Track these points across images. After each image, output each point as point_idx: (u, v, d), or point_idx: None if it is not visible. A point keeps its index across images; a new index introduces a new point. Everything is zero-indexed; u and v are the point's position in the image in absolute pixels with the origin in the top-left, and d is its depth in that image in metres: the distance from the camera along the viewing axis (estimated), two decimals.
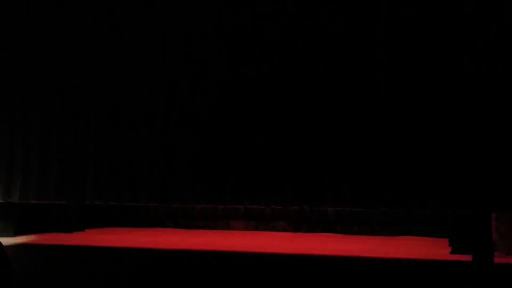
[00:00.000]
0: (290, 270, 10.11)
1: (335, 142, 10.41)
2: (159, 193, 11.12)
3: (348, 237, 13.40)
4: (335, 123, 10.46)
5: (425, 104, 10.09)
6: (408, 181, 10.14)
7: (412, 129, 10.16)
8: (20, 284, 8.88)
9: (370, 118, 10.31)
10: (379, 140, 10.25)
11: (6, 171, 11.48)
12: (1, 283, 5.04)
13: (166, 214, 15.79)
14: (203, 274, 10.15)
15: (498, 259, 9.42)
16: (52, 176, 11.39)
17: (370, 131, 10.31)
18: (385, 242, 12.36)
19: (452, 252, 9.79)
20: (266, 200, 10.92)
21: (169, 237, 13.13)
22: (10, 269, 4.95)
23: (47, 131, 11.43)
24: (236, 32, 10.80)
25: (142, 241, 12.13)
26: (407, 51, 10.19)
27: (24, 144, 11.46)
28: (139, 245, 11.43)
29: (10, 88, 11.58)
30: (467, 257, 9.49)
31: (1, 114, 11.56)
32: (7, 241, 11.34)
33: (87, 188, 11.31)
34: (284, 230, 14.78)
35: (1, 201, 11.56)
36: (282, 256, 10.63)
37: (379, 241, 12.65)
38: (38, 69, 11.50)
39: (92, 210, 14.75)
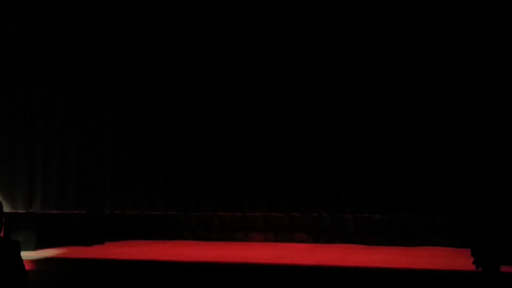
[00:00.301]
0: (309, 282, 10.08)
1: (346, 148, 10.35)
2: (177, 201, 11.09)
3: (367, 248, 13.29)
4: (334, 122, 10.45)
5: (425, 104, 10.09)
6: (427, 186, 10.05)
7: (414, 129, 10.15)
8: None
9: (373, 118, 10.29)
10: (393, 144, 10.19)
11: (27, 181, 11.42)
12: None
13: (185, 226, 15.77)
14: (223, 286, 10.14)
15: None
16: (71, 186, 11.32)
17: (373, 132, 10.28)
18: (406, 253, 12.24)
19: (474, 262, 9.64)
20: (285, 208, 10.83)
21: (188, 249, 13.09)
22: (27, 281, 4.96)
23: (65, 141, 11.37)
24: (236, 32, 10.79)
25: (162, 253, 12.09)
26: (407, 51, 10.18)
27: (44, 154, 11.39)
28: (159, 258, 11.40)
29: (27, 95, 11.52)
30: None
31: (21, 123, 11.48)
32: (33, 255, 11.32)
33: (106, 198, 11.24)
34: (303, 241, 14.75)
35: (23, 211, 11.49)
36: (301, 267, 10.57)
37: (400, 251, 12.54)
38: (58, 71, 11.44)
39: (111, 222, 14.76)
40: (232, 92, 10.80)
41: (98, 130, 11.29)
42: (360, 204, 10.43)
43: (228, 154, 10.79)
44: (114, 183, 11.19)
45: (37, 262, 10.87)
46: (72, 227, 13.73)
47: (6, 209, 11.31)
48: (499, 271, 9.10)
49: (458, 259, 9.78)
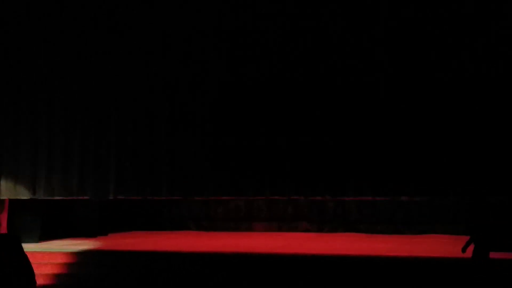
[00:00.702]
0: (313, 271, 10.14)
1: (349, 135, 10.36)
2: (180, 187, 10.97)
3: (371, 236, 13.42)
4: (334, 122, 10.46)
5: (426, 103, 10.11)
6: (429, 169, 10.05)
7: (412, 125, 10.16)
8: None
9: (372, 113, 10.29)
10: (395, 133, 10.21)
11: (31, 168, 11.40)
12: None
13: (189, 216, 15.80)
14: (227, 275, 10.20)
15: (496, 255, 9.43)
16: (75, 172, 11.26)
17: (376, 126, 10.29)
18: (409, 241, 12.38)
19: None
20: (288, 191, 10.76)
21: (192, 240, 13.17)
22: (34, 283, 4.96)
23: (69, 128, 11.33)
24: (236, 32, 10.79)
25: (166, 244, 12.13)
26: (407, 51, 10.20)
27: (48, 141, 11.36)
28: (163, 249, 11.45)
29: (32, 87, 11.50)
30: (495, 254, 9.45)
31: (25, 111, 11.45)
32: (38, 247, 11.36)
33: (109, 184, 11.17)
34: (307, 230, 14.81)
35: (26, 197, 11.48)
36: (305, 257, 10.63)
37: (403, 239, 12.66)
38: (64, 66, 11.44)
39: (114, 213, 14.77)
40: (232, 92, 10.79)
41: (102, 119, 11.26)
42: (363, 187, 10.37)
43: (231, 139, 10.75)
44: (118, 169, 11.14)
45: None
46: (77, 218, 13.77)
47: (11, 195, 11.35)
48: (489, 258, 9.17)
49: (457, 247, 9.83)
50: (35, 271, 5.49)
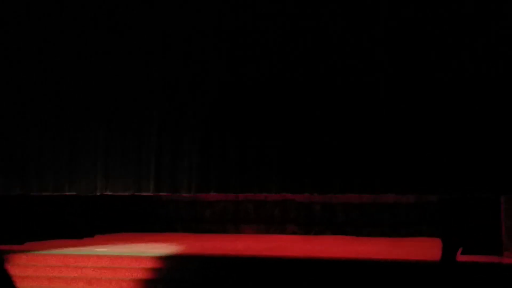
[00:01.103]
0: (300, 273, 10.17)
1: (337, 138, 10.33)
2: (167, 183, 10.96)
3: (358, 239, 13.47)
4: (334, 122, 10.45)
5: (425, 103, 10.10)
6: (416, 167, 10.00)
7: (412, 124, 10.15)
8: None
9: (371, 111, 10.28)
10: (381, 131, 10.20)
11: (19, 163, 11.40)
12: None
13: (176, 218, 15.83)
14: (216, 278, 10.22)
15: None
16: (64, 168, 11.26)
17: (370, 127, 10.28)
18: (395, 244, 12.43)
19: (461, 253, 9.73)
20: (275, 188, 10.73)
21: (180, 241, 13.18)
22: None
23: (61, 124, 11.36)
24: (236, 32, 10.79)
25: (155, 246, 12.15)
26: (407, 51, 10.18)
27: (38, 137, 11.39)
28: (152, 250, 11.48)
29: (31, 87, 11.51)
30: (478, 258, 9.46)
31: (24, 109, 11.49)
32: (21, 248, 11.33)
33: (97, 180, 11.16)
34: (294, 233, 14.87)
35: (13, 193, 11.46)
36: (292, 259, 10.66)
37: (389, 242, 12.71)
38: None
39: (101, 214, 14.78)
40: (232, 92, 10.79)
41: (92, 118, 11.29)
42: (350, 184, 10.33)
43: (221, 135, 10.75)
44: (105, 165, 11.14)
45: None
46: (62, 219, 13.77)
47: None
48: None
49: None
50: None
